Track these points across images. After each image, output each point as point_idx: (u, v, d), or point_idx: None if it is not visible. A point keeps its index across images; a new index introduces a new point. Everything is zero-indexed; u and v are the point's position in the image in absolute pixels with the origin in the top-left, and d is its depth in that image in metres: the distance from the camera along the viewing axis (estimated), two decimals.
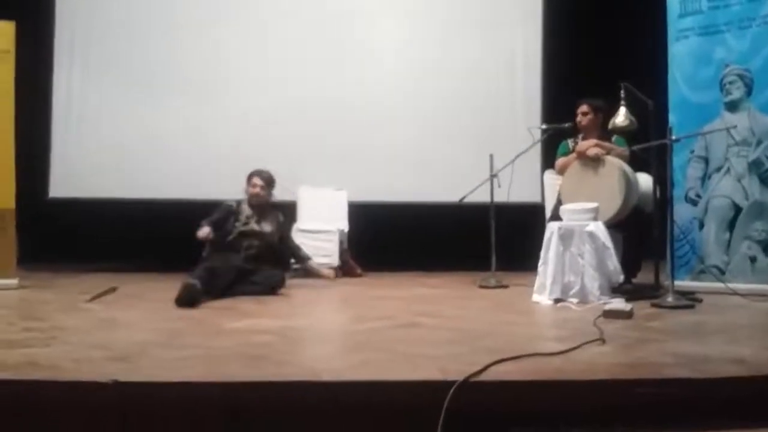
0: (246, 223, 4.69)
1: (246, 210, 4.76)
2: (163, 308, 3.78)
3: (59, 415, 2.02)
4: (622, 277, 4.11)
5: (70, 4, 6.40)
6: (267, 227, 4.78)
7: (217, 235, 4.50)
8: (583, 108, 4.66)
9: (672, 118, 4.71)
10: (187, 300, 3.81)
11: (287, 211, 5.32)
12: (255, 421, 2.04)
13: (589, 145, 4.48)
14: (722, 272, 4.53)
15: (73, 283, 4.20)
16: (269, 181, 4.86)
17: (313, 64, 6.52)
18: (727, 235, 4.57)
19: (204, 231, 4.39)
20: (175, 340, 2.82)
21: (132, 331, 3.12)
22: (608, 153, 4.44)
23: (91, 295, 4.01)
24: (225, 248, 4.53)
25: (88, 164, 6.27)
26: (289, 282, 4.74)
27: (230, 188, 5.03)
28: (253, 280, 4.48)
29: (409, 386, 2.10)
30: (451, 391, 1.99)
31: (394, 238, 6.23)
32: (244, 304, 4.05)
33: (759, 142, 4.48)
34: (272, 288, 4.51)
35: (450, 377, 2.07)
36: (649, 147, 4.33)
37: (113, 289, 4.17)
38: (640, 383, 2.13)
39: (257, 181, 4.82)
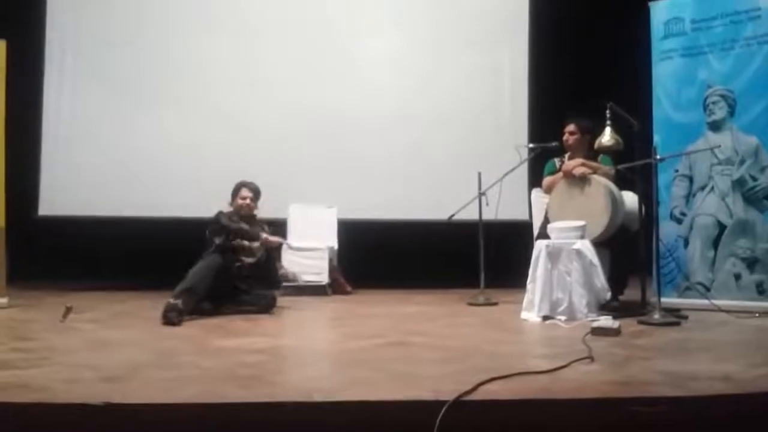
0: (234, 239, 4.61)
1: None
2: (154, 327, 3.78)
3: None
4: (609, 295, 4.15)
5: (60, 22, 6.40)
6: (254, 242, 4.70)
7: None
8: (571, 128, 4.70)
9: (656, 138, 4.78)
10: (169, 320, 3.83)
11: (279, 228, 5.32)
12: None
13: (575, 165, 4.53)
14: (707, 289, 4.58)
15: (63, 302, 4.16)
16: (257, 193, 4.79)
17: (303, 82, 6.56)
18: (712, 252, 4.63)
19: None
20: (167, 360, 2.83)
21: (123, 350, 3.12)
22: (594, 172, 4.49)
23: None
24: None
25: (78, 182, 6.24)
26: (279, 300, 4.73)
27: (220, 205, 5.00)
28: (244, 300, 4.48)
29: (400, 406, 2.11)
30: (443, 410, 2.00)
31: (384, 256, 6.24)
32: (235, 323, 4.05)
33: (742, 161, 4.55)
34: (264, 309, 4.49)
35: (441, 397, 2.08)
36: (634, 166, 4.39)
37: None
38: (629, 402, 2.16)
39: (246, 192, 4.73)
